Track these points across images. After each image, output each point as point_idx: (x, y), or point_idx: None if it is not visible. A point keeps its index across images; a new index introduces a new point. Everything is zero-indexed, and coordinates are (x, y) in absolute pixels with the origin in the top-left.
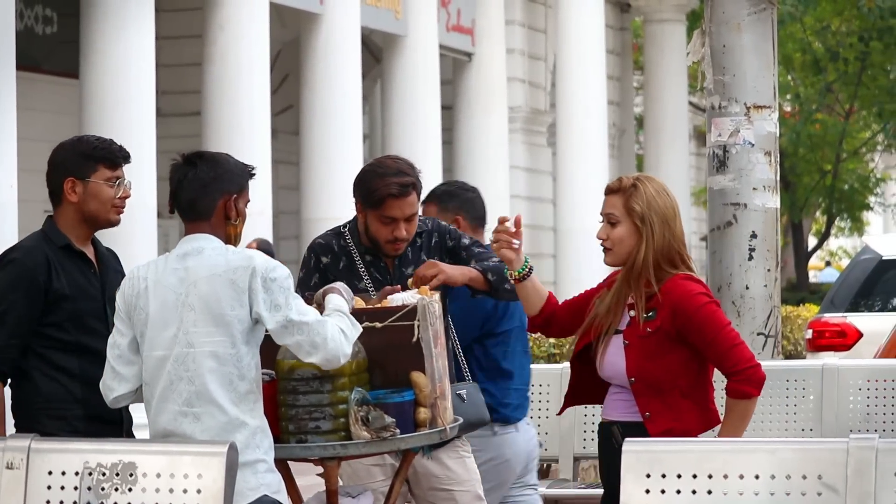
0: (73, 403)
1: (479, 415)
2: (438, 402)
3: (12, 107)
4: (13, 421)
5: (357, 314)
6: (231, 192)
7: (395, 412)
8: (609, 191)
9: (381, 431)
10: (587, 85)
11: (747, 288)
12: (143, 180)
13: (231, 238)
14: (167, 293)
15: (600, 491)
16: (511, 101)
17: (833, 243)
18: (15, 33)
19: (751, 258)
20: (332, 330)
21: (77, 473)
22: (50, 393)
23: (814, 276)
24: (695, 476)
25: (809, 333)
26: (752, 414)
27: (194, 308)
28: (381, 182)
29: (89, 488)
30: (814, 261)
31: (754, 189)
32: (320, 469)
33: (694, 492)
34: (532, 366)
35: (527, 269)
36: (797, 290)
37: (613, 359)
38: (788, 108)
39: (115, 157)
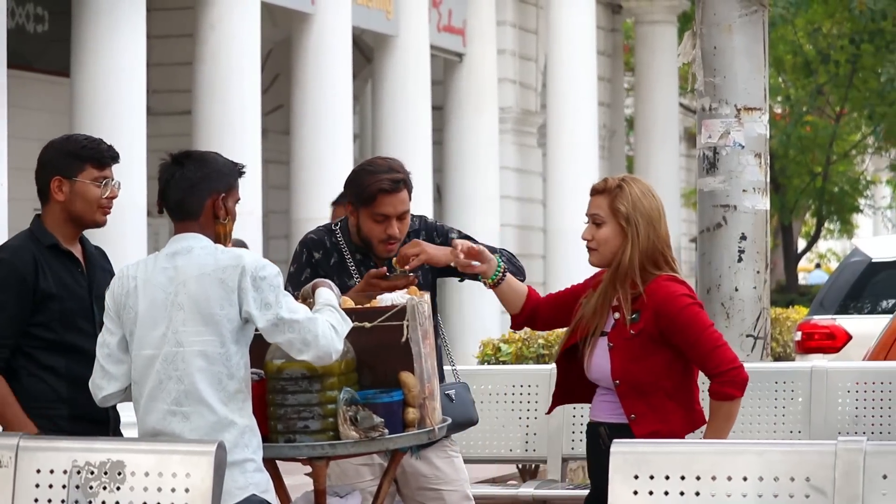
0: (59, 403)
1: (467, 415)
2: (427, 402)
3: (3, 105)
4: None
5: (346, 314)
6: (219, 191)
7: (384, 412)
8: (594, 191)
9: (370, 431)
10: (578, 86)
11: (737, 290)
12: (133, 179)
13: (221, 237)
14: (156, 292)
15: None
16: (502, 101)
17: (822, 245)
18: (6, 31)
19: (740, 260)
20: (323, 327)
21: (65, 472)
22: (36, 392)
23: (803, 279)
24: (683, 478)
25: (798, 335)
26: (737, 415)
27: (184, 307)
28: (373, 179)
29: (77, 487)
30: (803, 263)
31: (744, 191)
32: (309, 469)
33: (682, 493)
34: (521, 366)
35: (500, 274)
36: (786, 292)
37: (599, 361)
38: (779, 110)
39: (102, 156)
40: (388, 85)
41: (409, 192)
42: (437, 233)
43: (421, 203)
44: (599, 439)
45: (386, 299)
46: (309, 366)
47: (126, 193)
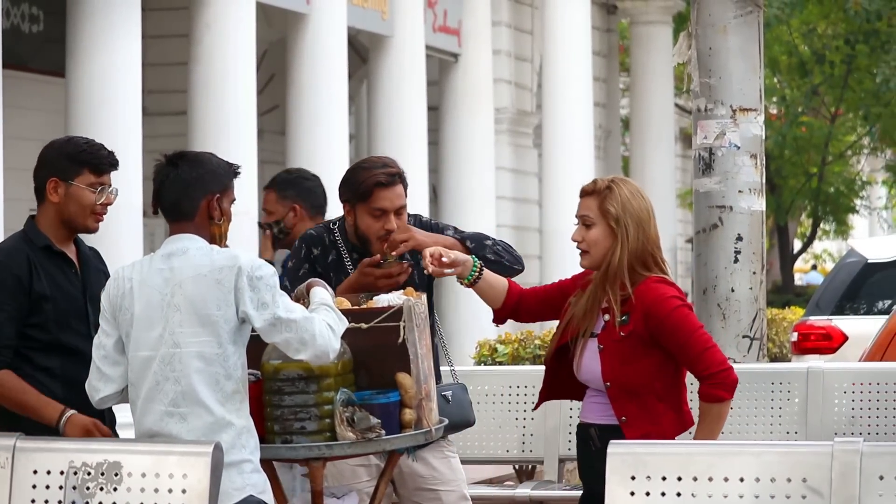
0: None
1: (464, 416)
2: (424, 403)
3: None
4: None
5: (343, 315)
6: (214, 192)
7: (381, 413)
8: (584, 193)
9: (367, 432)
10: (573, 86)
11: (733, 290)
12: (128, 179)
13: (216, 238)
14: (152, 293)
15: None
16: (497, 102)
17: (818, 246)
18: (1, 31)
19: (736, 261)
20: (320, 326)
21: (62, 473)
22: None
23: (799, 279)
24: (679, 479)
25: (795, 336)
26: (726, 417)
27: (180, 308)
28: (368, 174)
29: (74, 488)
30: (799, 263)
31: (740, 192)
32: (305, 469)
33: (679, 494)
34: (518, 367)
35: (476, 272)
36: (782, 292)
37: (589, 363)
38: (774, 111)
39: (101, 162)
40: (383, 85)
41: (405, 188)
42: (432, 231)
43: (417, 203)
44: (590, 441)
45: (382, 300)
46: (306, 366)
47: (122, 194)
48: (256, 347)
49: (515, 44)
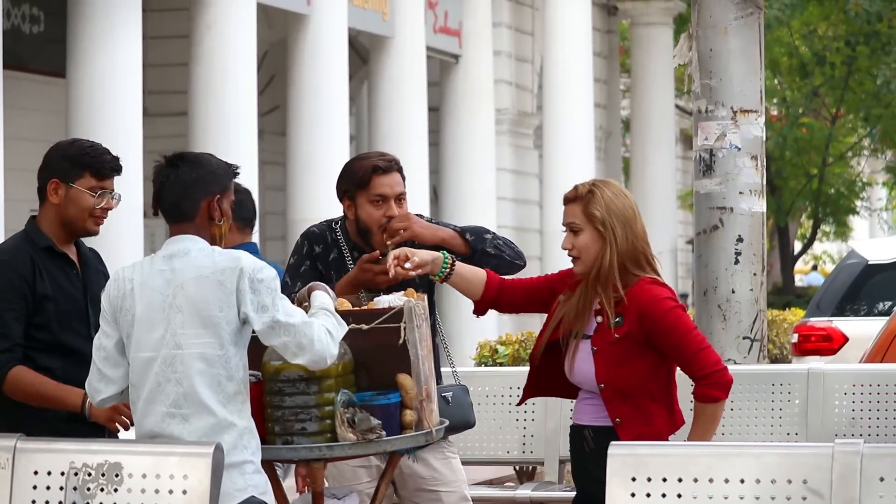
0: None
1: (464, 417)
2: (424, 404)
3: None
4: None
5: (343, 316)
6: (214, 193)
7: (382, 414)
8: (567, 200)
9: (367, 433)
10: (574, 87)
11: (733, 292)
12: (129, 180)
13: (216, 238)
14: (153, 295)
15: None
16: (498, 103)
17: (818, 248)
18: (1, 32)
19: (737, 262)
20: (319, 331)
21: (63, 473)
22: None
23: (799, 280)
24: (680, 480)
25: (795, 337)
26: (721, 417)
27: (182, 310)
28: (364, 162)
29: (75, 488)
30: (799, 264)
31: (741, 193)
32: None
33: (679, 496)
34: (518, 368)
35: (448, 268)
36: (783, 293)
37: (582, 365)
38: (775, 112)
39: (102, 166)
40: (384, 86)
41: (402, 177)
42: None
43: (417, 204)
44: (584, 442)
45: (383, 301)
46: (306, 368)
47: (122, 194)
48: (257, 348)
49: (516, 45)
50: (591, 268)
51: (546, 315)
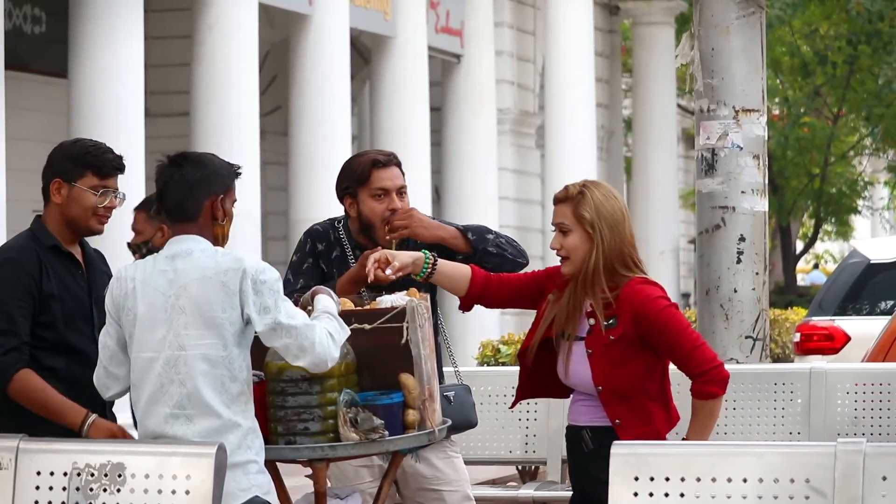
0: None
1: (465, 417)
2: (427, 403)
3: (0, 106)
4: None
5: (346, 316)
6: (217, 193)
7: (384, 414)
8: (557, 200)
9: (370, 433)
10: (576, 87)
11: (735, 291)
12: (131, 181)
13: (218, 238)
14: (155, 295)
15: None
16: (500, 102)
17: (820, 247)
18: (3, 33)
19: (739, 261)
20: (321, 334)
21: (66, 474)
22: None
23: (801, 279)
24: (682, 479)
25: (797, 337)
26: (718, 413)
27: (185, 311)
28: (363, 158)
29: (78, 489)
30: (801, 263)
31: (742, 192)
32: (309, 470)
33: (682, 495)
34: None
35: (429, 267)
36: (785, 293)
37: (578, 368)
38: (777, 112)
39: (104, 165)
40: (385, 86)
41: (402, 172)
42: None
43: (420, 204)
44: (582, 443)
45: (386, 301)
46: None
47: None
48: (260, 348)
49: (518, 44)
50: (579, 269)
51: (519, 313)
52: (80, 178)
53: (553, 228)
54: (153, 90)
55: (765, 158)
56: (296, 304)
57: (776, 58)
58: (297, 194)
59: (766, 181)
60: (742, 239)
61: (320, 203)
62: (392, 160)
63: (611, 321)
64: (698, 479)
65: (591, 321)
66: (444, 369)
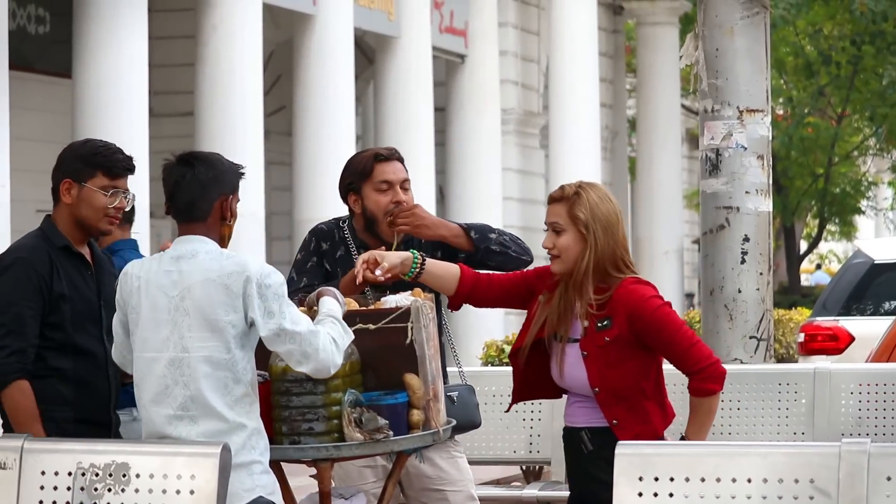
0: (64, 405)
1: (469, 417)
2: (431, 404)
3: (5, 106)
4: (1, 421)
5: (351, 316)
6: (227, 193)
7: (389, 414)
8: (552, 199)
9: (375, 433)
10: (580, 87)
11: (739, 291)
12: (135, 181)
13: (225, 238)
14: (159, 294)
15: None
16: (504, 102)
17: (824, 247)
18: (7, 33)
19: (743, 262)
20: (324, 340)
21: (70, 474)
22: (42, 394)
23: (805, 279)
24: (687, 479)
25: (801, 337)
26: (716, 410)
27: (189, 313)
28: (366, 153)
29: (82, 489)
30: (805, 264)
31: (747, 192)
32: (313, 470)
33: (686, 496)
34: None
35: (418, 267)
36: (789, 293)
37: (573, 370)
38: (781, 112)
39: (114, 166)
40: (390, 86)
41: (404, 167)
42: None
43: (423, 204)
44: (581, 444)
45: (390, 301)
46: None
47: None
48: (264, 349)
49: (522, 45)
50: (570, 269)
51: (522, 313)
52: (90, 178)
53: (545, 228)
54: (157, 90)
55: (769, 158)
56: (301, 304)
57: (780, 58)
58: (301, 194)
59: (770, 181)
60: (746, 239)
61: (324, 203)
62: (394, 154)
63: (605, 322)
64: (703, 480)
65: (585, 323)
66: (449, 369)
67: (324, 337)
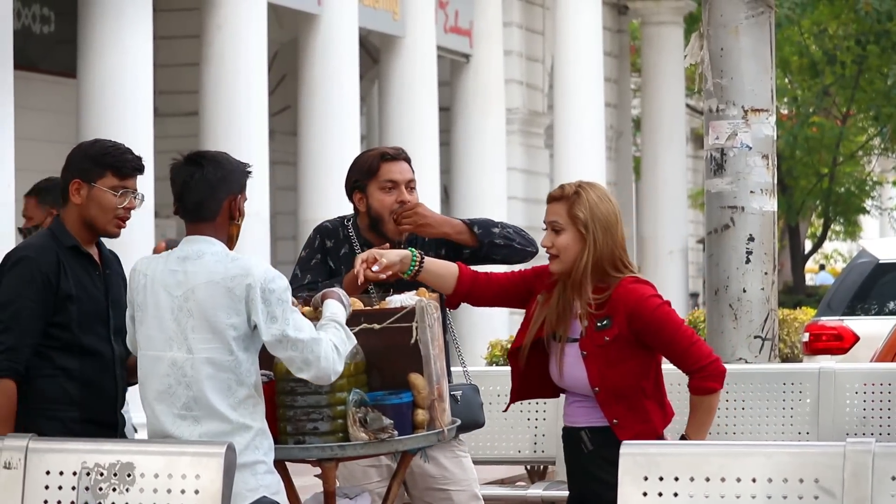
0: (70, 405)
1: (472, 417)
2: (436, 403)
3: (10, 106)
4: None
5: (355, 315)
6: (235, 193)
7: (393, 414)
8: (551, 199)
9: (380, 433)
10: (585, 87)
11: (744, 291)
12: (140, 180)
13: (233, 237)
14: (163, 294)
15: None
16: (509, 102)
17: (828, 247)
18: (12, 32)
19: (748, 261)
20: (326, 348)
21: (75, 473)
22: (48, 394)
23: (809, 280)
24: (692, 479)
25: (806, 337)
26: (716, 408)
27: (193, 314)
28: (373, 151)
29: (87, 488)
30: (809, 264)
31: (752, 192)
32: (318, 470)
33: (691, 495)
34: None
35: (416, 265)
36: (794, 293)
37: (572, 370)
38: (785, 112)
39: (124, 166)
40: (394, 86)
41: (410, 167)
42: None
43: (428, 204)
44: (581, 444)
45: (395, 301)
46: None
47: None
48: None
49: (527, 44)
50: (569, 268)
51: (521, 312)
52: (99, 178)
53: (544, 227)
54: (162, 90)
55: (774, 158)
56: (306, 303)
57: (785, 57)
58: (306, 194)
59: (775, 181)
60: (751, 239)
61: (329, 203)
62: (401, 154)
63: (605, 321)
64: (707, 479)
65: (584, 322)
66: (453, 369)
67: (326, 344)
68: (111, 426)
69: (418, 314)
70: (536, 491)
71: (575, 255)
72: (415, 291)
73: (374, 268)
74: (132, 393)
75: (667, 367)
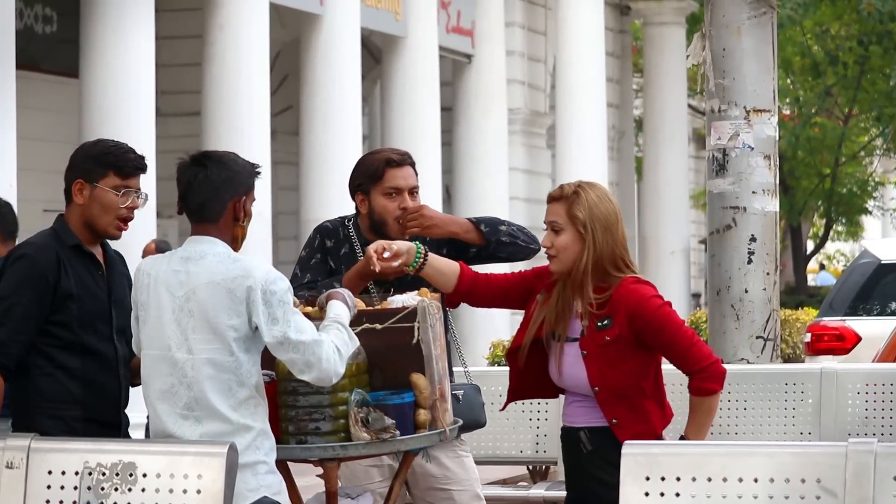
0: (72, 404)
1: (473, 417)
2: (438, 403)
3: (12, 106)
4: (10, 419)
5: (357, 315)
6: (240, 194)
7: (395, 414)
8: (551, 199)
9: (381, 433)
10: (587, 87)
11: (746, 291)
12: (142, 180)
13: (238, 239)
14: (165, 293)
15: None
16: (510, 102)
17: (830, 247)
18: (14, 32)
19: (750, 262)
20: (328, 350)
21: (77, 473)
22: (50, 392)
23: (810, 280)
24: (694, 479)
25: (808, 337)
26: (716, 410)
27: (193, 315)
28: (378, 156)
29: (89, 488)
30: (811, 264)
31: (753, 192)
32: (320, 470)
33: (693, 496)
34: None
35: (421, 259)
36: (796, 293)
37: (572, 370)
38: (787, 112)
39: (126, 165)
40: (396, 86)
41: (415, 172)
42: None
43: (430, 204)
44: (581, 444)
45: (397, 301)
46: None
47: None
48: None
49: (529, 44)
50: (568, 268)
51: (522, 313)
52: (102, 178)
53: (544, 227)
54: (164, 90)
55: (776, 159)
56: (309, 303)
57: (787, 58)
58: (308, 194)
59: (777, 181)
60: (753, 239)
61: (331, 203)
62: (406, 160)
63: (605, 321)
64: (709, 479)
65: (585, 322)
66: (454, 369)
67: (328, 346)
68: (114, 426)
69: (420, 314)
70: (538, 491)
71: (574, 254)
72: (416, 291)
73: (385, 254)
74: (134, 393)
75: (667, 367)
